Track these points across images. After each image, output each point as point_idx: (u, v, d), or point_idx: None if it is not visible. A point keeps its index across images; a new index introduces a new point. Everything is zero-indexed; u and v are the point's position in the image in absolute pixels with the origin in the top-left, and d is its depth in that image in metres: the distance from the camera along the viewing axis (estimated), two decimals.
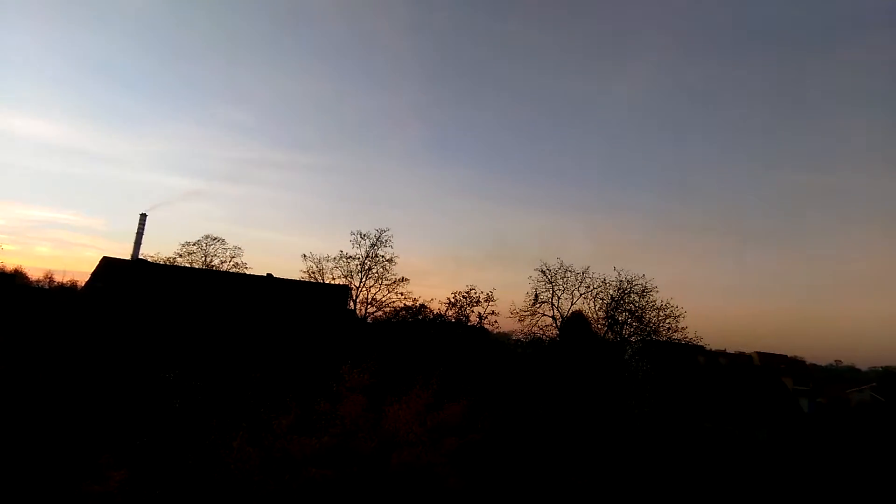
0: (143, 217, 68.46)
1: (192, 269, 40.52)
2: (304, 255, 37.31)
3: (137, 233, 67.98)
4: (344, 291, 35.70)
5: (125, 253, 63.83)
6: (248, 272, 41.71)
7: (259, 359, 23.26)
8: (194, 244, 44.48)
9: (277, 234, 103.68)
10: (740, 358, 60.15)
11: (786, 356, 70.09)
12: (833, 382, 75.02)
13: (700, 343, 35.34)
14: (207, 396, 19.19)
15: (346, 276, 36.18)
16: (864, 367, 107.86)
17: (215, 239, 45.30)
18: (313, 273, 36.97)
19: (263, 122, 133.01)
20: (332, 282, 36.28)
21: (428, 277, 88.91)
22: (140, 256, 55.38)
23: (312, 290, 35.24)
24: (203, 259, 44.10)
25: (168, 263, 41.40)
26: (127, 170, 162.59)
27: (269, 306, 32.41)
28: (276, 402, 14.63)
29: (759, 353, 67.07)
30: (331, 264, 36.68)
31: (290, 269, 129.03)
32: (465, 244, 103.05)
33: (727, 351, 58.91)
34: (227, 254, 45.26)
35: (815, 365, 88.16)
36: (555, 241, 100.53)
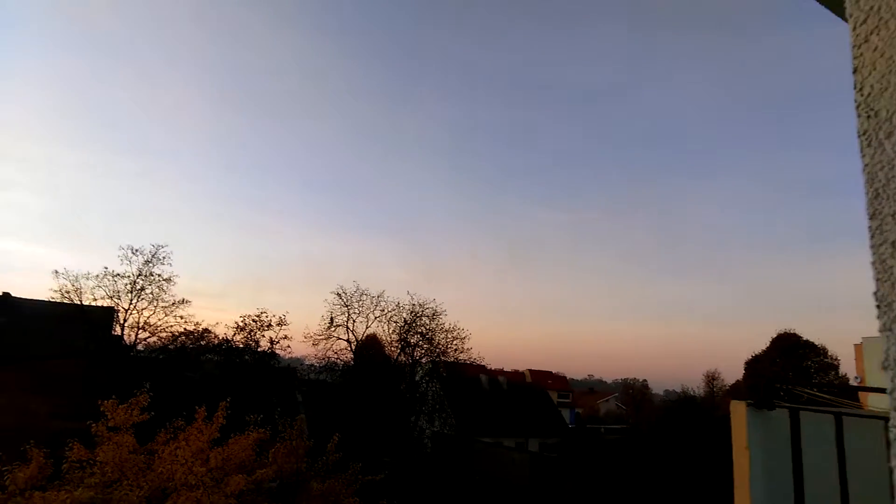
0: None
1: None
2: (56, 272, 31.59)
3: None
4: (108, 314, 30.89)
5: None
6: None
7: None
8: None
9: (15, 243, 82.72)
10: (515, 375, 66.45)
11: (551, 372, 79.55)
12: (587, 394, 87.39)
13: (482, 362, 38.39)
14: None
15: (111, 297, 31.38)
16: (609, 379, 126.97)
17: None
18: (67, 292, 31.35)
19: None
20: (94, 303, 31.21)
21: (222, 300, 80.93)
22: None
23: (65, 313, 29.78)
24: None
25: None
26: None
27: (5, 331, 26.56)
28: (10, 451, 11.91)
29: (530, 371, 75.01)
30: (92, 283, 31.55)
31: (36, 287, 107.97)
32: (265, 265, 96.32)
33: (505, 369, 64.70)
34: None
35: (573, 379, 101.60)
36: (364, 266, 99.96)
